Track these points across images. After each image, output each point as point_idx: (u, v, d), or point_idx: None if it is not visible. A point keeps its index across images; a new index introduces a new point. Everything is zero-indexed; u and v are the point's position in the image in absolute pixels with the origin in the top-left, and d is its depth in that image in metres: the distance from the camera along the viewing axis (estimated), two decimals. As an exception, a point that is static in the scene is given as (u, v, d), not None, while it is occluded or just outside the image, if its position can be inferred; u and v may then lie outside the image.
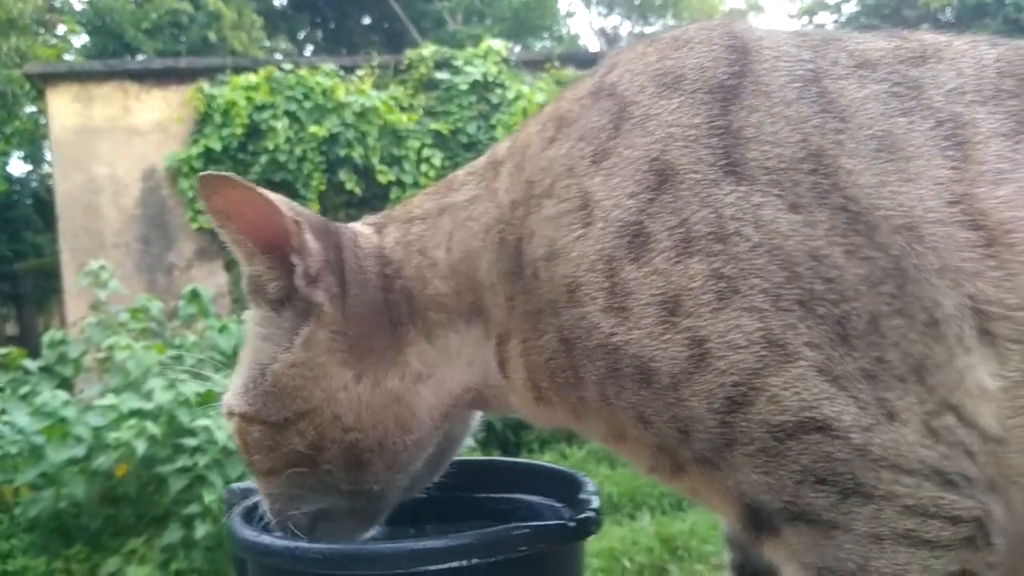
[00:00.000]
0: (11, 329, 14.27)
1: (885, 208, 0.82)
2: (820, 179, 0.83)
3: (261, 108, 6.73)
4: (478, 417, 1.17)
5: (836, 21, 13.26)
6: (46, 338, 5.06)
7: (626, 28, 17.28)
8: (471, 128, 7.05)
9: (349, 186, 6.72)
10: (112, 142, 6.87)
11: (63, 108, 6.93)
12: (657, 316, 0.83)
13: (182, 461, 4.04)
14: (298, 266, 0.98)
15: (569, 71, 7.43)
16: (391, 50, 9.43)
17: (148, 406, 4.15)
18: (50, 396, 4.29)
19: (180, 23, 11.13)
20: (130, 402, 4.18)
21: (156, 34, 10.97)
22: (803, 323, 0.79)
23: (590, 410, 0.91)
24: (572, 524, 1.01)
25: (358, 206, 6.86)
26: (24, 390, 4.69)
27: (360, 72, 7.13)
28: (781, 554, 0.84)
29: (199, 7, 11.01)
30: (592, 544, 4.26)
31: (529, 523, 0.99)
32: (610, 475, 5.19)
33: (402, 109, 7.04)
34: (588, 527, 1.02)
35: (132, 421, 4.04)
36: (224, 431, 3.98)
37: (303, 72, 6.86)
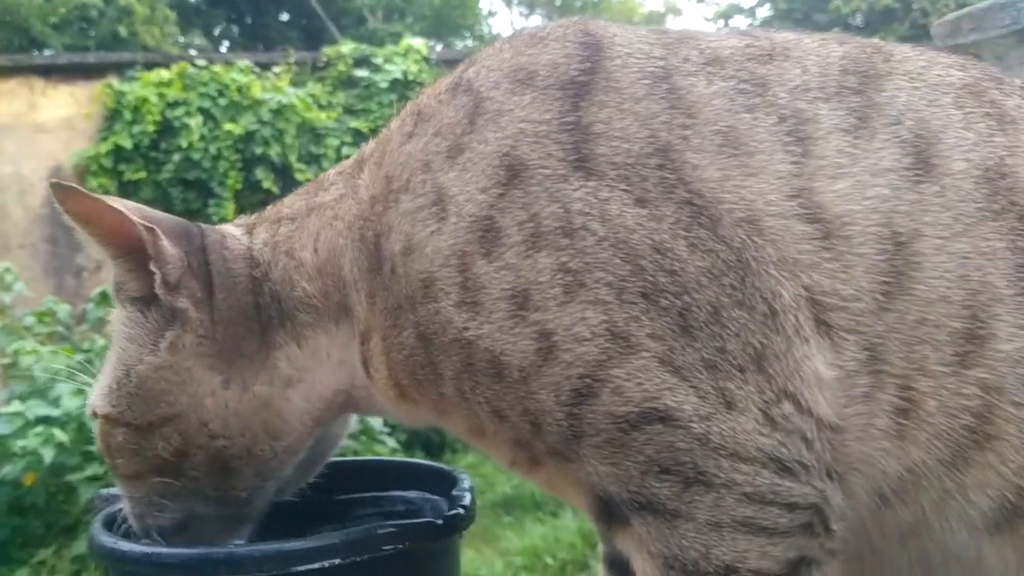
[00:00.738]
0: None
1: (728, 202, 0.84)
2: (667, 174, 0.84)
3: (174, 105, 6.56)
4: (354, 417, 1.17)
5: (750, 25, 13.57)
6: (-54, 343, 4.86)
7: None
8: (391, 126, 7.02)
9: (266, 185, 6.60)
10: (17, 139, 6.63)
11: (-35, 104, 6.70)
12: (507, 310, 0.83)
13: (92, 469, 3.94)
14: (156, 274, 0.97)
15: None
16: (309, 47, 9.29)
17: (56, 413, 4.03)
18: (-49, 403, 4.12)
19: (89, 17, 10.80)
20: (37, 409, 4.05)
21: (64, 28, 10.64)
22: (646, 315, 0.81)
23: (450, 406, 0.92)
24: (440, 522, 1.01)
25: (275, 205, 6.77)
26: (-77, 397, 4.50)
27: (277, 69, 7.02)
28: (631, 544, 0.85)
29: (109, 2, 10.70)
30: (515, 542, 4.29)
31: (395, 522, 0.99)
32: (533, 473, 5.21)
33: (320, 107, 6.95)
34: (458, 523, 1.03)
35: (39, 428, 3.92)
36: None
37: (218, 68, 6.72)
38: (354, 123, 7.00)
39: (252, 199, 6.63)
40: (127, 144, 6.49)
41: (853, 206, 0.84)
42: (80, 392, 4.07)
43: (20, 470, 3.96)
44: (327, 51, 7.32)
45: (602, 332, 0.81)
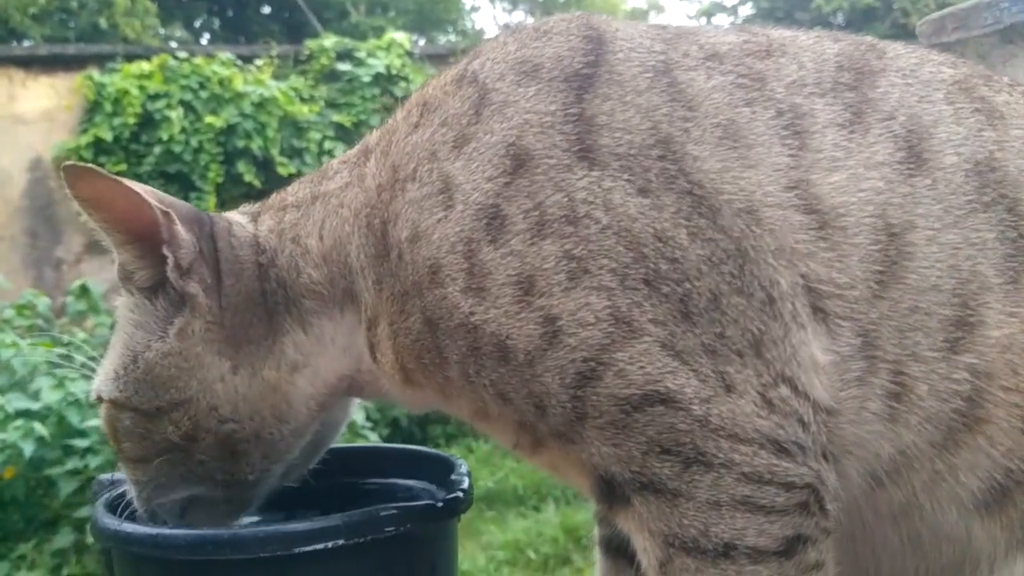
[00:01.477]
0: None
1: (727, 192, 0.86)
2: (668, 165, 0.87)
3: (155, 97, 6.50)
4: (355, 403, 1.18)
5: (732, 23, 13.64)
6: (-76, 336, 4.81)
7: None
8: (374, 120, 6.97)
9: (248, 178, 6.56)
10: (-4, 131, 6.59)
11: (-57, 95, 6.63)
12: (513, 296, 0.85)
13: (72, 463, 3.92)
14: (170, 258, 0.98)
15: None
16: (291, 40, 9.24)
17: (36, 406, 4.00)
18: (-69, 396, 4.08)
19: (69, 9, 10.68)
20: (17, 402, 4.01)
21: (44, 20, 10.51)
22: (648, 301, 0.83)
23: (455, 389, 0.94)
24: (440, 504, 1.03)
25: (257, 198, 6.54)
26: (-98, 389, 4.45)
27: (259, 62, 6.98)
28: (632, 524, 0.88)
29: (90, -8, 10.63)
30: (497, 536, 4.31)
31: (397, 504, 1.00)
32: (515, 468, 5.23)
33: (303, 100, 6.92)
34: (457, 506, 1.05)
35: (19, 422, 3.88)
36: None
37: (199, 61, 6.67)
38: (336, 117, 6.98)
39: (233, 192, 6.60)
40: (107, 136, 6.44)
41: (848, 198, 0.87)
42: (60, 385, 4.07)
43: (0, 464, 3.93)
44: (309, 44, 7.29)
45: (606, 317, 0.83)
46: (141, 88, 6.53)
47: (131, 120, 6.45)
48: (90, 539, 3.89)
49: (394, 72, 7.13)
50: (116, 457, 1.07)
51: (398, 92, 7.08)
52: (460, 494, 1.05)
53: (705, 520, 0.83)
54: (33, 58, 6.96)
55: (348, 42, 7.36)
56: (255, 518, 1.12)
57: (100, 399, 1.03)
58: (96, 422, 3.84)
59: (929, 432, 0.87)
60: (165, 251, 0.98)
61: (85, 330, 4.86)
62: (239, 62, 6.90)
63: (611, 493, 0.88)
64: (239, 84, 6.67)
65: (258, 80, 6.78)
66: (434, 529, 1.04)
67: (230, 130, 6.56)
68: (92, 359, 1.07)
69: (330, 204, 1.01)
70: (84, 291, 4.96)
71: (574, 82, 0.91)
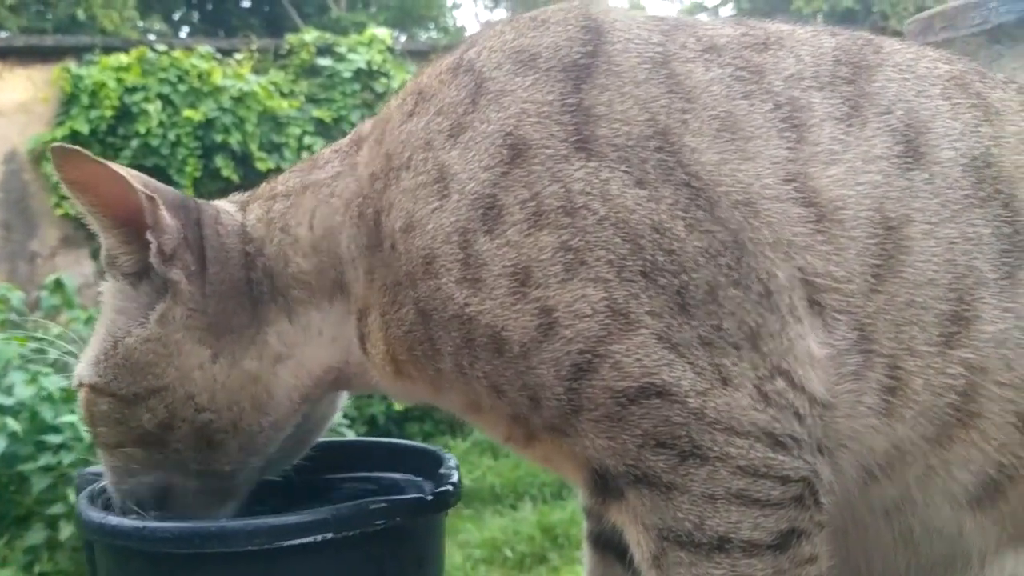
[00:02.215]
0: None
1: (725, 184, 0.86)
2: (665, 156, 0.86)
3: (132, 90, 6.44)
4: (344, 398, 1.17)
5: (714, 23, 13.76)
6: None
7: (512, 22, 17.37)
8: (354, 116, 6.94)
9: (226, 173, 6.51)
10: (-30, 123, 6.51)
11: (-82, 86, 6.53)
12: (509, 287, 0.84)
13: (45, 459, 3.91)
14: (153, 243, 0.97)
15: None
16: (271, 35, 9.18)
17: (8, 401, 3.98)
18: (-97, 391, 4.02)
19: (47, 0, 10.60)
20: (-11, 397, 3.98)
21: (21, 10, 10.40)
22: (645, 293, 0.82)
23: (447, 382, 0.93)
24: (429, 498, 1.02)
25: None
26: None
27: (239, 56, 6.94)
28: (626, 517, 0.87)
29: (68, -16, 10.52)
30: (474, 534, 4.31)
31: (386, 497, 0.99)
32: (492, 466, 5.24)
33: (282, 95, 6.88)
34: (446, 500, 1.04)
35: (-9, 417, 3.86)
36: (92, 427, 3.85)
37: (178, 54, 6.62)
38: (316, 112, 6.95)
39: (211, 187, 6.54)
40: (84, 129, 6.37)
41: (846, 191, 0.87)
42: (33, 381, 4.02)
43: (-28, 459, 3.89)
44: (290, 39, 7.25)
45: (602, 309, 0.82)
46: (119, 81, 6.47)
47: (108, 113, 6.39)
48: (63, 535, 3.85)
49: (375, 68, 7.11)
50: (93, 443, 1.06)
51: (379, 88, 7.06)
52: (450, 488, 1.04)
53: (700, 513, 0.82)
54: (9, 49, 6.87)
55: (329, 37, 7.33)
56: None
57: (80, 384, 1.02)
58: (70, 418, 3.82)
59: (923, 426, 0.87)
60: (149, 236, 0.97)
61: (59, 325, 4.80)
62: (218, 56, 6.85)
63: (605, 486, 0.87)
64: (218, 78, 6.62)
65: (237, 74, 6.74)
66: (423, 523, 1.04)
67: (208, 124, 6.52)
68: (66, 354, 1.06)
69: (321, 193, 1.00)
70: (59, 285, 4.91)
71: (572, 72, 0.90)
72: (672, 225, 0.84)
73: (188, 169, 6.45)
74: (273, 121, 6.77)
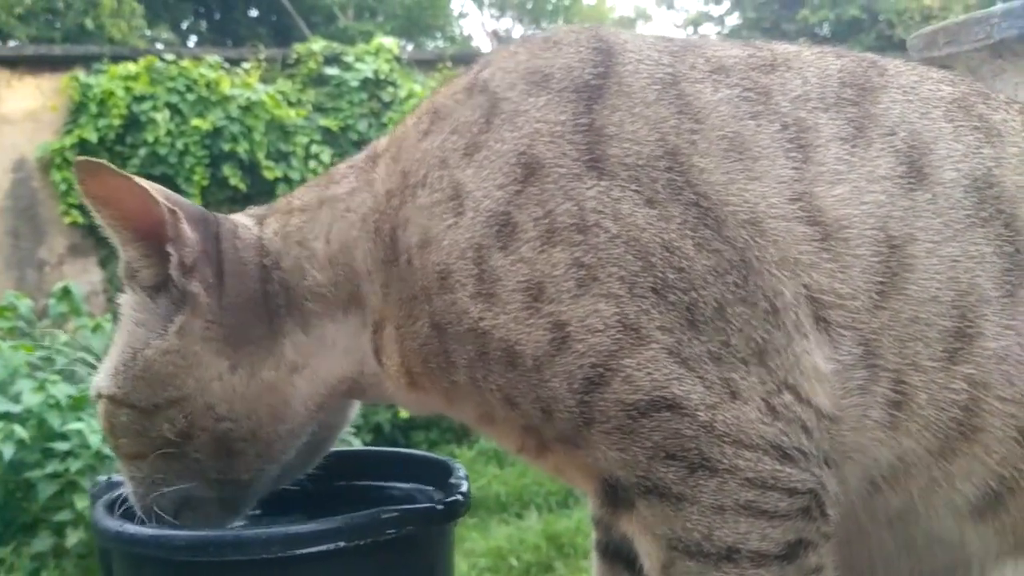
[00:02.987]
0: None
1: (733, 204, 0.88)
2: (675, 176, 0.88)
3: (140, 99, 6.48)
4: (356, 407, 1.19)
5: (719, 33, 13.71)
6: (-97, 337, 4.75)
7: (518, 31, 17.47)
8: (361, 125, 6.99)
9: (233, 181, 6.55)
10: (-21, 131, 6.55)
11: (-73, 94, 6.58)
12: (522, 302, 0.86)
13: (52, 466, 3.91)
14: (173, 256, 0.99)
15: (461, 71, 7.45)
16: (279, 44, 9.22)
17: (16, 409, 3.97)
18: (-89, 398, 4.03)
19: (55, 9, 10.61)
20: (-3, 404, 3.99)
21: (30, 20, 10.45)
22: (656, 309, 0.84)
23: (461, 393, 0.94)
24: (440, 507, 1.04)
25: (243, 202, 6.66)
26: None
27: (246, 65, 6.98)
28: (636, 527, 0.89)
29: (76, -7, 10.57)
30: (479, 543, 4.31)
31: (398, 506, 1.01)
32: (498, 475, 5.24)
33: (290, 104, 6.91)
34: (457, 509, 1.05)
35: (-1, 424, 3.87)
36: (97, 435, 3.85)
37: (186, 63, 6.66)
38: (324, 121, 6.98)
39: (219, 196, 6.58)
40: (92, 138, 6.41)
41: (851, 210, 0.89)
42: (41, 388, 4.04)
43: (-21, 467, 3.90)
44: (297, 48, 7.29)
45: (614, 324, 0.84)
46: (127, 89, 6.51)
47: (116, 121, 6.43)
48: (70, 542, 3.87)
49: (382, 77, 7.14)
50: (113, 455, 1.08)
51: (386, 97, 7.09)
52: (460, 497, 1.06)
53: (709, 524, 0.84)
54: (19, 58, 6.92)
55: (336, 46, 7.36)
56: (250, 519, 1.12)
57: (99, 395, 1.03)
58: (78, 425, 3.84)
59: (927, 440, 0.88)
60: (169, 249, 0.99)
61: (67, 332, 4.83)
62: (226, 65, 6.89)
63: (615, 496, 0.89)
64: (226, 87, 6.66)
65: (245, 83, 6.77)
66: (434, 532, 1.05)
67: (216, 133, 6.55)
68: (73, 362, 1.07)
69: (337, 208, 1.02)
70: (66, 293, 4.93)
71: (584, 93, 0.92)
72: (681, 244, 0.86)
73: (196, 178, 6.48)
74: (280, 130, 6.81)
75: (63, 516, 3.91)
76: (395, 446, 5.25)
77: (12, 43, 9.78)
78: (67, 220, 6.39)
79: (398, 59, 7.34)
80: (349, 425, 1.19)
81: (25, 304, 4.85)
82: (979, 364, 0.88)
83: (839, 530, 0.90)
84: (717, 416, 0.83)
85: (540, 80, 0.94)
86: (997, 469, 0.89)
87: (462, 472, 1.13)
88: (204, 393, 0.99)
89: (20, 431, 3.84)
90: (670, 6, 17.26)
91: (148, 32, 11.82)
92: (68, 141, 6.42)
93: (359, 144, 6.94)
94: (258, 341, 1.01)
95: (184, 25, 13.68)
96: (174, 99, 6.57)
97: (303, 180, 6.71)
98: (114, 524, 1.00)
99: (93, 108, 6.47)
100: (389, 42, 7.42)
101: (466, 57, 8.34)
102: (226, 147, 6.55)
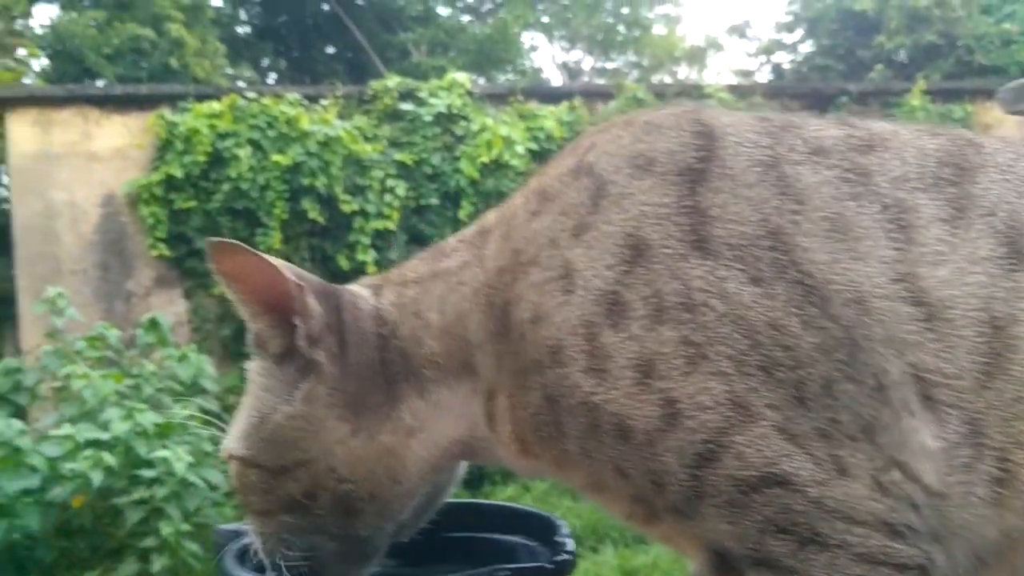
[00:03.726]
0: (-39, 355, 13.83)
1: (837, 283, 0.91)
2: (779, 255, 0.92)
3: (224, 136, 6.67)
4: (464, 467, 1.24)
5: (792, 61, 13.51)
6: (0, 366, 4.97)
7: (588, 63, 17.51)
8: (435, 159, 7.09)
9: (312, 215, 6.70)
10: (71, 168, 6.76)
11: (22, 133, 6.83)
12: (633, 378, 0.90)
13: (139, 493, 4.00)
14: (300, 327, 1.04)
15: (533, 104, 7.50)
16: (355, 80, 9.44)
17: (105, 436, 4.08)
18: (4, 425, 4.14)
19: (142, 49, 10.97)
20: (86, 432, 4.09)
21: (117, 60, 10.80)
22: (764, 386, 0.87)
23: (571, 462, 0.98)
24: (550, 566, 1.08)
25: (320, 235, 6.86)
26: (-22, 419, 4.59)
27: (324, 102, 7.13)
28: None
29: (161, 34, 10.90)
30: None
31: (510, 565, 1.06)
32: (572, 507, 5.22)
33: (366, 139, 7.04)
34: (565, 568, 1.09)
35: (88, 451, 3.97)
36: (183, 462, 3.97)
37: (267, 101, 6.82)
38: (399, 155, 7.09)
39: (298, 228, 6.74)
40: (178, 174, 6.61)
41: (954, 291, 0.91)
42: (129, 416, 4.17)
43: (68, 492, 4.01)
44: (373, 85, 7.42)
45: (724, 401, 0.88)
46: (211, 127, 6.70)
47: (201, 158, 6.62)
48: (155, 568, 3.97)
49: (455, 111, 7.23)
50: (241, 510, 1.14)
51: (458, 131, 7.18)
52: (568, 556, 1.10)
53: None
54: (107, 97, 7.15)
55: (410, 82, 7.47)
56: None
57: (230, 456, 1.10)
58: (164, 453, 3.96)
59: None
60: (296, 321, 1.05)
61: (154, 362, 4.98)
62: (305, 102, 7.05)
63: (725, 567, 0.92)
64: (305, 123, 6.82)
65: (324, 119, 6.92)
66: (544, 590, 1.09)
67: (296, 168, 6.71)
68: (160, 390, 1.13)
69: (450, 281, 1.08)
70: (154, 324, 5.08)
71: (687, 176, 0.96)
72: (788, 322, 0.89)
73: (276, 211, 6.64)
74: (357, 164, 6.94)
75: (148, 542, 4.00)
76: (470, 476, 5.29)
77: (100, 82, 10.15)
78: (154, 253, 6.60)
79: (470, 93, 7.42)
80: (458, 481, 1.24)
81: (113, 334, 4.99)
82: None
83: None
84: (827, 492, 0.86)
85: (644, 164, 0.98)
86: None
87: (565, 530, 1.17)
88: (327, 456, 1.05)
89: (108, 458, 3.94)
90: (742, 35, 17.12)
91: (230, 70, 12.15)
92: (155, 177, 6.64)
93: (432, 178, 7.05)
94: (377, 407, 1.06)
95: (264, 63, 14.02)
96: (256, 135, 6.74)
97: (379, 213, 6.85)
98: (245, 574, 1.06)
99: (179, 145, 6.67)
100: (462, 77, 7.51)
101: (537, 90, 8.42)
102: (305, 181, 6.69)
